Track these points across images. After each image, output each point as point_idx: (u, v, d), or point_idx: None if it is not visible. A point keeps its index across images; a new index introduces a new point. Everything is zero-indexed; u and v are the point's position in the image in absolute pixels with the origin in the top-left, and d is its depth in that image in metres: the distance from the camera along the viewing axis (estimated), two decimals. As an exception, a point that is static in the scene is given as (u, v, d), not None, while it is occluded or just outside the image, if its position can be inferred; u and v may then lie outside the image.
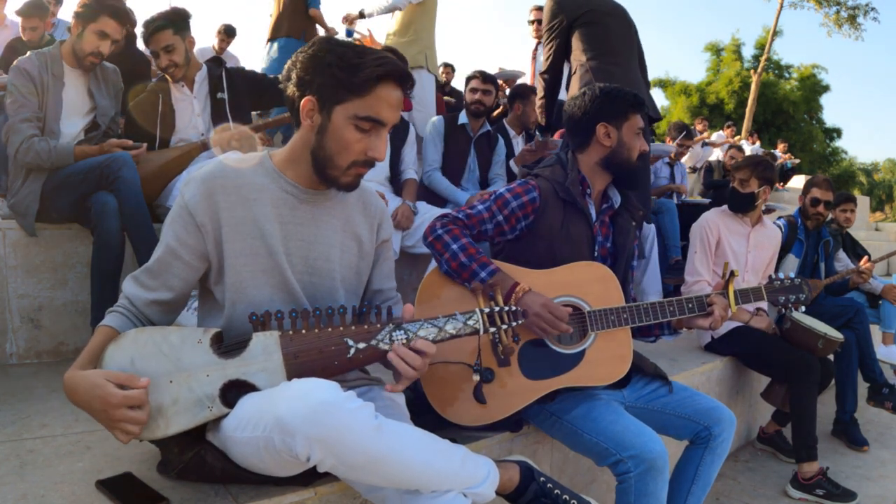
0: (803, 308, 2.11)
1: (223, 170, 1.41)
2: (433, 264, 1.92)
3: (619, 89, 1.98)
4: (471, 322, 1.39)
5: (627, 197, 2.05)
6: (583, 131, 1.98)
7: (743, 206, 3.21)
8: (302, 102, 1.36)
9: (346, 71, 1.32)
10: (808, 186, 3.74)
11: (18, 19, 4.61)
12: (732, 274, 1.97)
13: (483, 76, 3.92)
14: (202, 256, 1.40)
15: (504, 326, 1.42)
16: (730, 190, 3.24)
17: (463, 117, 3.82)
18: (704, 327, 1.94)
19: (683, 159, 8.00)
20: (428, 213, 3.24)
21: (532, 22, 5.67)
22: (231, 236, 1.38)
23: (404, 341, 1.34)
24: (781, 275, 2.13)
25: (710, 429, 1.88)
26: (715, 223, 3.20)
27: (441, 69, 8.33)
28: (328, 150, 1.37)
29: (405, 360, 1.34)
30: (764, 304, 3.14)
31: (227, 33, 6.46)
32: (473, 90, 3.87)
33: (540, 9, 5.73)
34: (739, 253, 3.22)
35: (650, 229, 4.23)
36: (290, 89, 1.39)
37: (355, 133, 1.35)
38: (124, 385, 1.24)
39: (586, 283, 1.87)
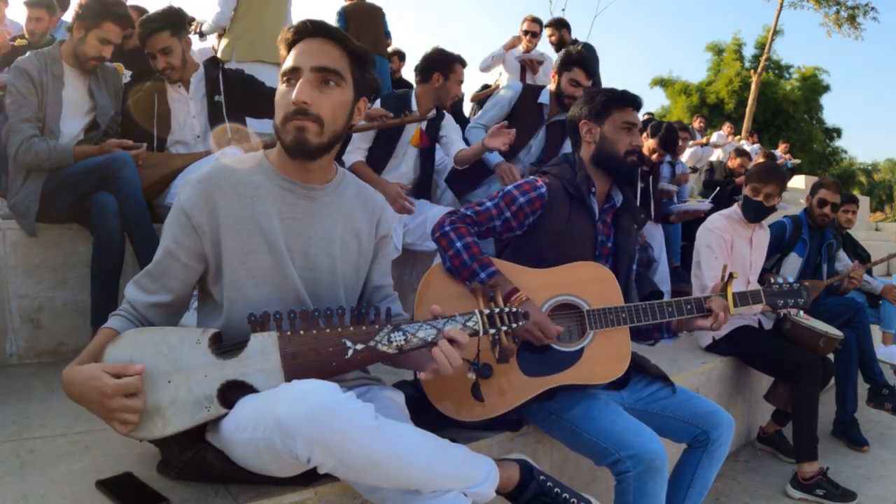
0: (801, 312, 2.11)
1: (219, 170, 1.42)
2: (435, 260, 1.92)
3: (603, 89, 2.06)
4: (470, 323, 1.39)
5: (629, 199, 2.08)
6: (574, 132, 2.09)
7: (764, 216, 3.24)
8: None
9: None
10: (816, 188, 3.73)
11: (17, 20, 4.63)
12: (731, 276, 1.98)
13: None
14: (199, 257, 1.41)
15: (504, 328, 1.42)
16: (754, 203, 3.17)
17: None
18: (707, 328, 1.95)
19: (685, 159, 8.02)
20: (431, 210, 3.23)
21: (526, 33, 5.65)
22: (229, 235, 1.39)
23: (403, 343, 1.34)
24: (780, 279, 2.12)
25: (708, 433, 1.89)
26: (726, 228, 3.19)
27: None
28: (273, 120, 1.43)
29: (449, 359, 1.33)
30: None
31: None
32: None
33: (537, 21, 5.69)
34: (745, 256, 3.23)
35: (658, 231, 4.25)
36: None
37: (282, 88, 1.40)
38: (119, 374, 1.24)
39: (586, 282, 1.88)
